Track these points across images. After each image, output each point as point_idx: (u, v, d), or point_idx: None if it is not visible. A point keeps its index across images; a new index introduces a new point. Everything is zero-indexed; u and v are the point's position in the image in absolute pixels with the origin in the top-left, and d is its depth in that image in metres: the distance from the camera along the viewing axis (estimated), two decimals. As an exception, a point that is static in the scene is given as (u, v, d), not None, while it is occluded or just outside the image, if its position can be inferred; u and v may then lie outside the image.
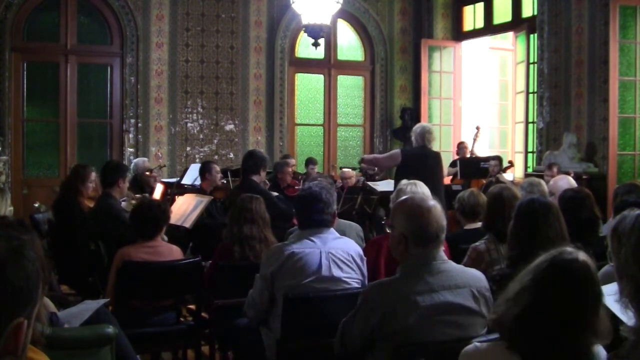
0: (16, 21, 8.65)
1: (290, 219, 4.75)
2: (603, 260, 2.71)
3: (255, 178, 5.25)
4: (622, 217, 1.75)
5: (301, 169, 8.78)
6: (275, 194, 5.65)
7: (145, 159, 8.29)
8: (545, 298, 1.59)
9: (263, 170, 5.37)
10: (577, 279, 1.60)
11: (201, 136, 9.51)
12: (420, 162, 5.70)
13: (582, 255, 1.64)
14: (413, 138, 5.90)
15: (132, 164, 7.83)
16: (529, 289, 1.62)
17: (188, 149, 9.44)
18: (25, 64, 8.80)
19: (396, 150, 6.16)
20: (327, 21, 7.73)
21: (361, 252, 3.18)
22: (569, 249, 1.67)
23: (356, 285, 3.04)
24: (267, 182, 6.26)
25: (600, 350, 1.70)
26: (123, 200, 5.17)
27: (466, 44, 10.61)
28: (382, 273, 3.43)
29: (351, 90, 10.53)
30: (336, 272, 3.00)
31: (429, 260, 2.37)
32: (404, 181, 3.87)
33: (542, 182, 4.69)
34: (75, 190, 5.06)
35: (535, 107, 8.79)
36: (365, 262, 3.16)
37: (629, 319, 1.64)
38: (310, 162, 8.58)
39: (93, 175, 5.18)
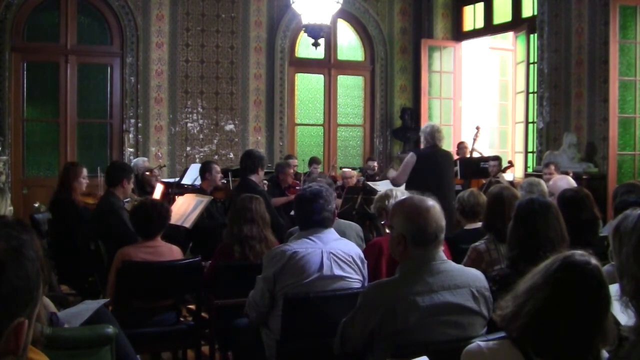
0: (16, 21, 8.65)
1: (280, 229, 4.73)
2: (604, 260, 2.71)
3: (253, 178, 5.26)
4: (624, 216, 1.75)
5: (302, 169, 8.77)
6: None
7: (145, 158, 8.29)
8: (559, 297, 1.60)
9: (261, 170, 5.37)
10: (591, 279, 1.60)
11: (201, 136, 9.51)
12: (432, 161, 5.76)
13: (593, 259, 1.65)
14: (423, 138, 5.95)
15: (132, 163, 7.83)
16: (541, 287, 1.62)
17: (188, 149, 9.44)
18: (25, 64, 8.80)
19: (409, 155, 6.11)
20: (327, 21, 7.73)
21: (362, 254, 3.18)
22: (580, 251, 1.67)
23: (357, 285, 3.03)
24: (265, 182, 6.27)
25: (603, 353, 1.71)
26: (126, 201, 5.18)
27: (466, 44, 10.61)
28: (383, 276, 3.42)
29: (351, 90, 10.53)
30: (337, 272, 3.00)
31: (429, 260, 2.37)
32: (391, 188, 3.90)
33: (542, 182, 4.70)
34: (69, 188, 5.09)
35: (535, 107, 8.79)
36: (365, 265, 3.16)
37: (628, 319, 1.64)
38: (313, 161, 8.59)
39: (85, 171, 5.22)
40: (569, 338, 1.59)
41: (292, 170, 7.26)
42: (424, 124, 10.12)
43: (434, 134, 5.83)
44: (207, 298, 3.87)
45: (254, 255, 3.71)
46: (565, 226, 2.88)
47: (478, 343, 1.74)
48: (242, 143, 9.61)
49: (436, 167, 5.70)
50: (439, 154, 5.86)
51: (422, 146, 6.20)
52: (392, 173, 6.47)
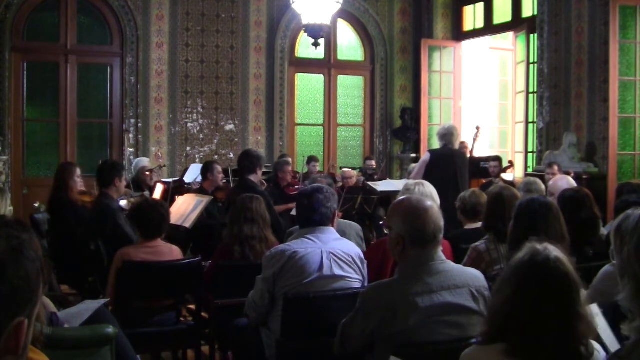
0: (16, 21, 8.65)
1: (279, 231, 4.71)
2: (604, 260, 2.72)
3: (252, 178, 5.25)
4: (626, 216, 1.76)
5: (302, 168, 8.76)
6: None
7: (147, 159, 8.29)
8: (529, 304, 1.66)
9: (259, 170, 5.36)
10: (554, 278, 1.67)
11: (201, 136, 9.51)
12: (447, 161, 5.87)
13: (553, 252, 1.71)
14: (439, 139, 6.12)
15: (135, 162, 7.83)
16: (516, 301, 1.69)
17: (188, 149, 9.44)
18: (25, 64, 8.80)
19: (425, 155, 6.28)
20: (327, 21, 7.73)
21: (362, 254, 3.17)
22: (539, 247, 1.74)
23: (357, 285, 3.03)
24: (264, 182, 6.27)
25: (598, 351, 1.72)
26: (122, 199, 5.17)
27: (466, 44, 10.61)
28: (388, 276, 3.42)
29: (351, 90, 10.53)
30: (337, 271, 3.00)
31: (428, 260, 2.36)
32: (411, 181, 3.90)
33: (539, 181, 4.71)
34: (65, 187, 5.09)
35: (535, 107, 8.79)
36: (365, 265, 3.15)
37: (629, 321, 1.64)
38: (312, 160, 8.60)
39: (78, 171, 5.23)
40: (556, 338, 1.64)
41: (290, 168, 7.26)
42: (424, 124, 10.21)
43: (446, 136, 6.03)
44: (207, 298, 3.87)
45: (254, 255, 3.71)
46: (566, 226, 2.88)
47: (475, 346, 1.76)
48: (242, 143, 9.61)
49: (450, 167, 5.83)
50: (454, 154, 6.01)
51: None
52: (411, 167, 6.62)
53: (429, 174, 5.85)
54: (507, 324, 1.68)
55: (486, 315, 1.78)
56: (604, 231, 3.72)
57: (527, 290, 1.67)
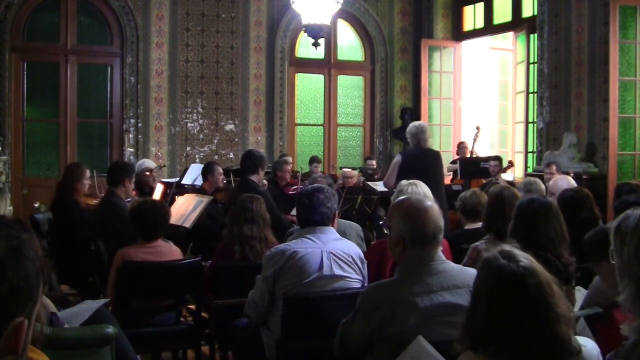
0: (16, 21, 8.66)
1: (283, 227, 4.71)
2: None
3: (253, 178, 5.25)
4: (626, 216, 1.75)
5: (301, 168, 8.77)
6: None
7: (151, 160, 8.28)
8: (507, 323, 1.68)
9: (261, 170, 5.36)
10: (527, 294, 1.68)
11: (201, 136, 9.51)
12: (418, 162, 5.69)
13: (520, 263, 1.72)
14: (409, 139, 5.92)
15: (138, 163, 7.81)
16: (487, 320, 1.72)
17: (188, 149, 9.44)
18: (25, 64, 8.80)
19: (396, 157, 6.08)
20: (327, 21, 7.73)
21: (362, 254, 3.17)
22: (502, 261, 1.74)
23: (357, 285, 3.03)
24: (265, 182, 6.27)
25: (584, 345, 1.74)
26: (128, 201, 5.18)
27: (466, 44, 10.61)
28: (387, 276, 3.42)
29: (351, 90, 10.53)
30: (337, 271, 3.00)
31: (427, 261, 2.36)
32: (404, 182, 3.88)
33: (539, 181, 4.71)
34: (72, 189, 5.09)
35: (535, 107, 8.79)
36: (365, 265, 3.15)
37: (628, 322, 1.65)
38: (314, 160, 8.61)
39: (87, 173, 5.23)
40: (542, 343, 1.66)
41: (289, 167, 7.26)
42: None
43: (418, 135, 5.79)
44: (207, 298, 3.87)
45: (254, 255, 3.71)
46: (566, 226, 2.88)
47: (469, 352, 1.77)
48: (242, 143, 9.61)
49: (422, 168, 5.61)
50: (426, 154, 5.80)
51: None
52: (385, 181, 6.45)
53: (401, 176, 5.73)
54: (489, 341, 1.69)
55: (463, 330, 1.78)
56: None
57: (503, 311, 1.68)
